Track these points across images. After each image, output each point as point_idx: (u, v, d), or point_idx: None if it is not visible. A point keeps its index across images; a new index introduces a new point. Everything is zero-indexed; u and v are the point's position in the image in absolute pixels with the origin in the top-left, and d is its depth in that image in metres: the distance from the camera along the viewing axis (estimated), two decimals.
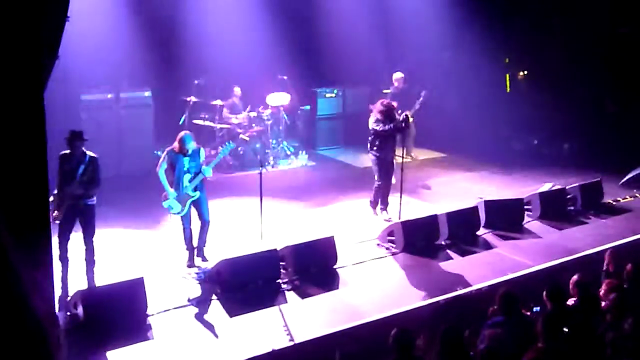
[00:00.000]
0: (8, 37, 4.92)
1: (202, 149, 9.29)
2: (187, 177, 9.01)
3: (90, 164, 8.35)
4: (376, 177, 11.08)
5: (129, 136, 13.24)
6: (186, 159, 9.03)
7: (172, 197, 9.04)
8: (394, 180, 11.28)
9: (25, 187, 5.27)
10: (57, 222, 8.17)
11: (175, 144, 9.05)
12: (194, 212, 9.25)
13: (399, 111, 10.87)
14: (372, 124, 10.90)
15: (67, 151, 8.31)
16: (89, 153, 8.41)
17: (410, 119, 13.58)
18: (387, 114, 10.82)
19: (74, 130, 8.36)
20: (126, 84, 13.40)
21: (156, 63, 13.83)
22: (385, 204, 11.21)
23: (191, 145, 9.00)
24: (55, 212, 8.14)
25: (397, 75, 14.46)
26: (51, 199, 8.14)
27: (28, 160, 5.27)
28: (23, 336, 5.03)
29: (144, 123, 13.42)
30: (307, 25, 15.53)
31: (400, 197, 10.87)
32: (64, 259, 8.26)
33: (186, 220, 9.17)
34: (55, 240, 8.19)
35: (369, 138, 11.06)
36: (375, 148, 10.96)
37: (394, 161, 11.27)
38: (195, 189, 9.05)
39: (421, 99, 14.07)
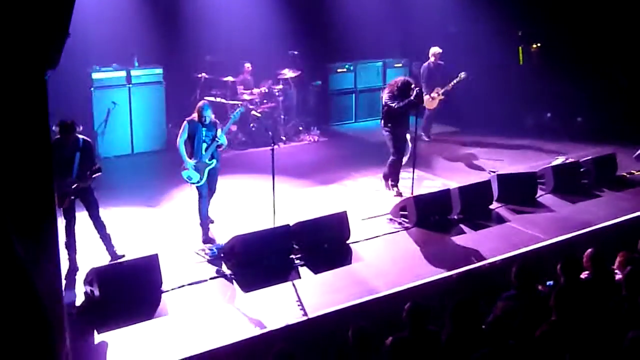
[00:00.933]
0: (14, 13, 4.89)
1: (218, 123, 9.46)
2: (204, 145, 9.18)
3: (85, 150, 8.24)
4: (392, 152, 11.06)
5: (141, 114, 13.26)
6: (204, 129, 9.19)
7: (190, 166, 9.15)
8: (405, 159, 11.24)
9: (28, 171, 5.22)
10: (62, 207, 8.06)
11: (195, 114, 9.21)
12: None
13: (417, 88, 10.75)
14: (385, 99, 10.86)
15: (59, 137, 8.07)
16: (83, 137, 8.29)
17: (440, 96, 13.62)
18: (402, 90, 10.73)
19: (65, 122, 8.08)
20: (137, 61, 13.38)
21: (167, 40, 13.79)
22: (396, 180, 11.18)
23: (209, 114, 9.17)
24: (59, 199, 7.79)
25: (435, 50, 14.05)
26: None
27: (31, 143, 5.21)
28: (27, 318, 5.09)
29: (156, 100, 13.43)
30: (318, 0, 15.42)
31: (413, 172, 10.83)
32: (70, 244, 8.24)
33: (204, 190, 9.29)
34: (84, 216, 8.35)
35: (382, 113, 11.03)
36: (389, 124, 10.91)
37: (407, 137, 11.21)
38: (211, 157, 9.22)
39: (458, 79, 13.60)
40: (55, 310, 5.55)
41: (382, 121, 11.04)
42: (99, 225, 8.49)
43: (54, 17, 5.08)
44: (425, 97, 13.22)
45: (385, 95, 10.93)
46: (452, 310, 5.81)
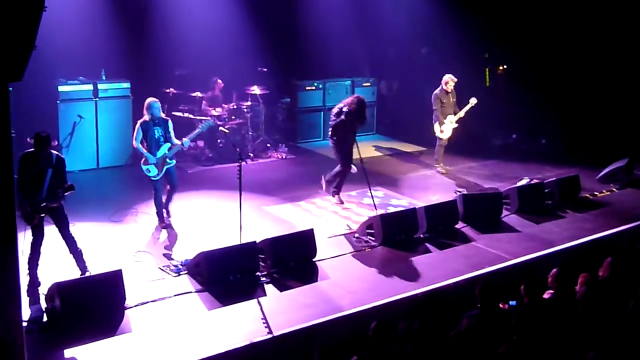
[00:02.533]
0: None
1: (169, 121, 10.18)
2: (166, 145, 9.95)
3: (58, 167, 8.04)
4: (341, 162, 11.46)
5: (107, 128, 13.14)
6: (156, 128, 9.93)
7: (152, 161, 9.86)
8: (354, 169, 11.52)
9: None
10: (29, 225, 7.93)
11: (145, 114, 9.93)
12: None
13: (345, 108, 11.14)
14: (333, 113, 11.39)
15: (32, 150, 7.91)
16: (55, 153, 8.12)
17: (454, 125, 13.31)
18: (357, 111, 11.16)
19: (40, 135, 7.88)
20: (105, 75, 13.28)
21: (135, 54, 13.74)
22: (339, 189, 11.57)
23: (157, 112, 9.93)
24: (28, 216, 7.79)
25: (448, 78, 13.28)
26: None
27: None
28: None
29: (123, 115, 13.31)
30: (288, 18, 15.51)
31: (370, 190, 10.95)
32: (33, 260, 8.02)
33: (159, 184, 10.06)
34: (50, 230, 8.21)
35: (330, 125, 11.49)
36: (334, 137, 11.36)
37: (353, 150, 11.35)
38: (171, 158, 10.00)
39: (470, 105, 13.13)
40: (12, 330, 5.44)
41: (330, 132, 11.48)
42: (70, 242, 8.34)
43: (19, 29, 5.03)
44: (436, 126, 13.28)
45: (335, 110, 11.37)
46: (416, 328, 5.82)
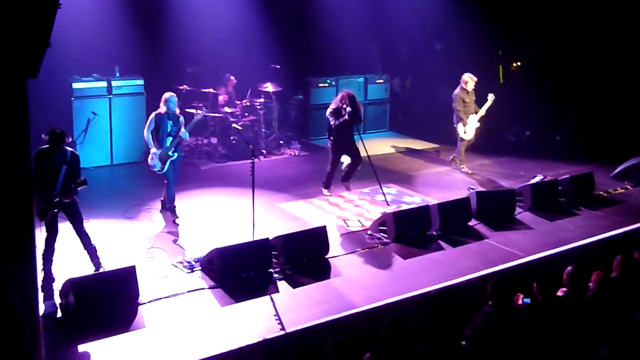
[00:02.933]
0: None
1: (181, 117, 10.30)
2: (169, 139, 10.03)
3: (72, 163, 8.09)
4: (330, 162, 11.42)
5: (121, 125, 13.20)
6: (170, 122, 10.05)
7: (155, 155, 10.03)
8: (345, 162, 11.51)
9: (6, 180, 5.16)
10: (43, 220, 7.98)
11: (162, 106, 10.06)
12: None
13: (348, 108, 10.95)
14: (327, 113, 11.22)
15: (46, 147, 7.96)
16: (70, 149, 8.17)
17: (477, 124, 13.08)
18: (350, 105, 10.98)
19: (55, 131, 7.93)
20: (118, 71, 13.34)
21: (149, 51, 13.79)
22: (328, 185, 11.58)
23: (174, 106, 10.07)
24: (41, 212, 7.83)
25: (470, 77, 12.99)
26: None
27: (9, 154, 5.16)
28: (2, 330, 5.02)
29: (137, 111, 13.36)
30: (301, 15, 15.51)
31: (380, 187, 10.95)
32: (48, 255, 8.07)
33: (170, 177, 10.24)
34: (65, 226, 8.26)
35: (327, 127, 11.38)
36: (331, 137, 11.26)
37: (357, 149, 11.29)
38: (174, 151, 10.07)
39: (488, 103, 12.90)
40: (31, 323, 5.49)
41: (328, 133, 11.38)
42: (84, 238, 8.39)
43: (35, 27, 5.06)
44: (459, 126, 13.06)
45: (328, 110, 11.23)
46: (431, 326, 5.81)
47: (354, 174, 11.51)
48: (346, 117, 10.91)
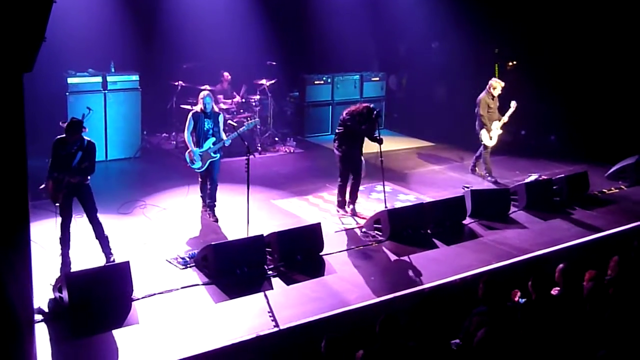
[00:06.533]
0: None
1: (221, 115, 10.39)
2: (211, 139, 10.09)
3: (88, 150, 8.32)
4: (340, 174, 10.85)
5: (116, 120, 13.17)
6: (207, 120, 10.08)
7: (196, 153, 10.05)
8: (363, 173, 10.93)
9: (2, 172, 5.21)
10: (57, 204, 8.27)
11: (199, 105, 10.15)
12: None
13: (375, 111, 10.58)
14: (348, 123, 10.58)
15: (63, 136, 8.22)
16: (87, 138, 8.39)
17: (499, 131, 12.72)
18: (364, 116, 10.52)
19: (75, 120, 8.31)
20: (114, 67, 13.30)
21: (144, 46, 13.78)
22: (353, 200, 10.91)
23: (210, 104, 10.09)
24: (53, 195, 8.17)
25: (498, 83, 12.63)
26: (42, 185, 8.27)
27: (5, 147, 5.20)
28: None
29: (132, 107, 13.34)
30: (297, 11, 15.51)
31: (384, 185, 10.88)
32: (64, 240, 8.37)
33: (204, 176, 10.31)
34: (57, 222, 8.41)
35: (337, 135, 10.84)
36: (344, 146, 10.69)
37: (362, 158, 10.89)
38: (215, 152, 10.10)
39: (511, 110, 12.51)
40: (25, 313, 5.50)
41: (337, 142, 10.79)
42: (97, 227, 8.57)
43: (31, 21, 5.06)
44: (483, 133, 12.64)
45: (348, 118, 10.57)
46: (420, 324, 5.82)
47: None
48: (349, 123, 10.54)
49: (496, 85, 12.59)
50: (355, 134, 10.62)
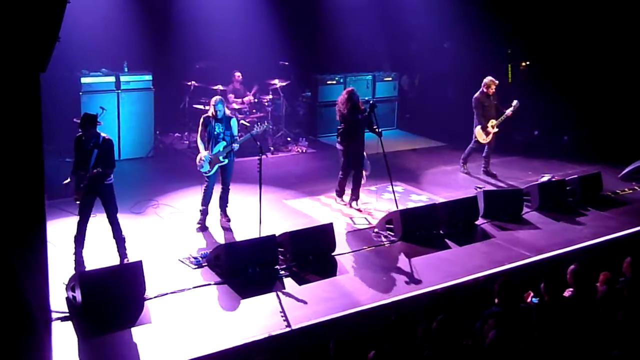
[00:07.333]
0: (5, 18, 4.90)
1: (234, 119, 10.11)
2: (222, 144, 9.81)
3: (105, 147, 8.37)
4: (342, 167, 11.12)
5: (129, 120, 13.23)
6: (218, 124, 9.82)
7: (205, 158, 9.78)
8: (365, 173, 11.19)
9: (19, 173, 5.24)
10: (77, 202, 8.40)
11: (211, 109, 9.85)
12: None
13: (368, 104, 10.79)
14: (345, 114, 10.85)
15: (81, 133, 8.32)
16: (103, 135, 8.46)
17: (495, 129, 12.75)
18: (355, 105, 10.78)
19: (87, 114, 8.38)
20: (127, 67, 13.35)
21: (157, 46, 13.82)
22: (352, 197, 11.16)
23: (221, 109, 9.81)
24: (75, 192, 8.32)
25: (491, 81, 12.75)
26: (67, 180, 8.46)
27: (22, 146, 5.23)
28: (10, 319, 5.06)
29: (145, 107, 13.39)
30: (310, 12, 15.50)
31: (392, 185, 10.82)
32: (79, 239, 8.45)
33: (211, 180, 9.93)
34: (74, 221, 8.54)
35: (339, 130, 11.06)
36: (345, 142, 10.92)
37: (364, 153, 11.09)
38: (225, 157, 9.82)
39: (512, 108, 12.57)
40: (42, 312, 5.53)
41: (339, 138, 11.01)
42: (115, 227, 8.66)
43: (44, 21, 5.08)
44: (477, 129, 12.76)
45: (343, 110, 10.86)
46: (436, 325, 5.80)
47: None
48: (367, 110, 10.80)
49: (490, 83, 12.71)
50: (355, 128, 10.79)
